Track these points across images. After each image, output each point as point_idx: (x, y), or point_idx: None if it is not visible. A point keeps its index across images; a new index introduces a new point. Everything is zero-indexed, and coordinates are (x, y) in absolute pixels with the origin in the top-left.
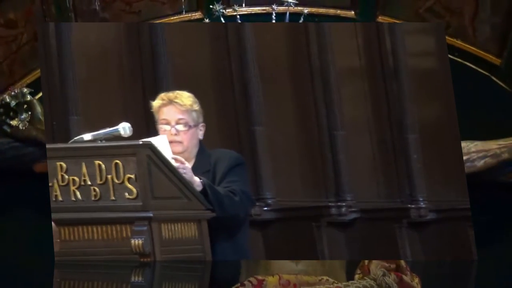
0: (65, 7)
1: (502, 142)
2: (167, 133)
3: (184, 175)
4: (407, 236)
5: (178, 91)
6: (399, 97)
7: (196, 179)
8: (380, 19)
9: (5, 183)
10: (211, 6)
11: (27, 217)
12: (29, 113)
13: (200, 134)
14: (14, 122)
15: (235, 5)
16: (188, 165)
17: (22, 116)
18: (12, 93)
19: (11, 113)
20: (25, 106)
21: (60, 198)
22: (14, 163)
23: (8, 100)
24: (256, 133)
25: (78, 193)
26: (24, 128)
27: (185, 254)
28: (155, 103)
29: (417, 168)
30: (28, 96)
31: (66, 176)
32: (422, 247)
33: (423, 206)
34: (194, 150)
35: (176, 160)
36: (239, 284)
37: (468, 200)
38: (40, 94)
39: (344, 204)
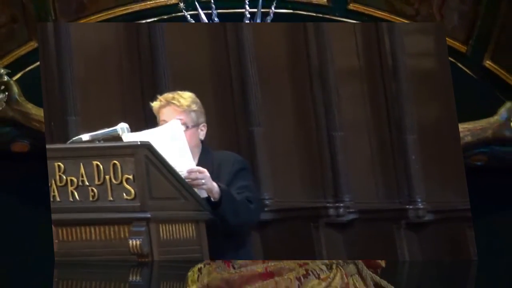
0: None
1: (466, 125)
2: None
3: (203, 185)
4: (405, 237)
5: (178, 92)
6: (398, 98)
7: (215, 186)
8: (352, 6)
9: None
10: None
11: (4, 198)
12: (6, 93)
13: (201, 134)
14: None
15: None
16: (207, 173)
17: None
18: None
19: None
20: (2, 87)
21: (58, 199)
22: None
23: None
24: (255, 133)
25: (76, 194)
26: (0, 108)
27: (183, 255)
28: (154, 105)
29: (416, 169)
30: (5, 77)
31: (64, 177)
32: (421, 248)
33: (422, 207)
34: (195, 151)
35: (193, 171)
36: (208, 261)
37: (468, 201)
38: (18, 76)
39: (342, 204)
